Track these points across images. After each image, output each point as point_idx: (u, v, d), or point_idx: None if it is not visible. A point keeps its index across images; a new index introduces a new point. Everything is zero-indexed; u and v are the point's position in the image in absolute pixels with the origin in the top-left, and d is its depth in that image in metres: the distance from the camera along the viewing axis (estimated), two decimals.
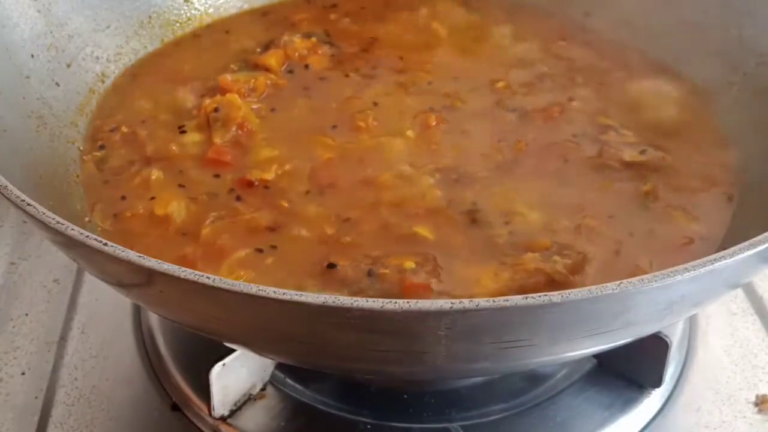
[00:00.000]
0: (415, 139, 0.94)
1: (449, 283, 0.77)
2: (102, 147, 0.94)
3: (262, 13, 1.18)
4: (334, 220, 0.84)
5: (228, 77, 1.01)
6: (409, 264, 0.78)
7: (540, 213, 0.84)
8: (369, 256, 0.80)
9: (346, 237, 0.82)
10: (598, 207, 0.86)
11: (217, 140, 0.93)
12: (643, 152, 0.92)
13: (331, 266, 0.79)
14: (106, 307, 0.98)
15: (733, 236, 0.82)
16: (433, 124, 0.96)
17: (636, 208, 0.86)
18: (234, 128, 0.94)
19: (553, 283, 0.77)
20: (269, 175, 0.89)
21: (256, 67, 1.05)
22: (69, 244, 0.66)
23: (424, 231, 0.82)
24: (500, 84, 1.03)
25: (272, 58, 1.06)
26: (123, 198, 0.88)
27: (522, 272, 0.78)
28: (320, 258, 0.80)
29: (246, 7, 1.18)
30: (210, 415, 0.83)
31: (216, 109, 0.95)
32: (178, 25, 1.12)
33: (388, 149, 0.93)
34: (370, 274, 0.78)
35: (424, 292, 0.76)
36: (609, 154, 0.92)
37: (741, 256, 0.61)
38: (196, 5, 1.14)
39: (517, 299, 0.57)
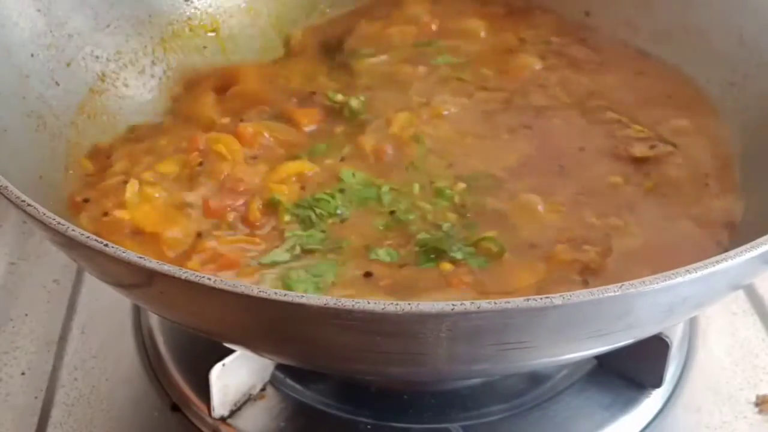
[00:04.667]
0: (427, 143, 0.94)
1: (489, 280, 0.79)
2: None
3: None
4: None
5: (249, 129, 0.92)
6: (446, 266, 0.79)
7: (555, 211, 0.86)
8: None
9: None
10: (608, 203, 0.87)
11: (203, 191, 0.87)
12: (652, 147, 0.92)
13: (368, 275, 0.80)
14: (105, 307, 0.98)
15: (734, 237, 0.82)
16: (445, 127, 0.96)
17: (646, 203, 0.87)
18: (221, 178, 0.88)
19: (589, 270, 0.79)
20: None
21: (288, 119, 0.96)
22: (69, 244, 0.65)
23: None
24: (504, 84, 1.03)
25: (306, 117, 0.96)
26: (106, 214, 0.86)
27: (556, 263, 0.79)
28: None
29: (245, 6, 1.17)
30: (210, 415, 0.82)
31: (201, 164, 0.89)
32: (177, 24, 1.12)
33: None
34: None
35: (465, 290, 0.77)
36: (619, 149, 0.93)
37: (743, 258, 0.61)
38: (196, 4, 1.14)
39: (518, 301, 0.57)
